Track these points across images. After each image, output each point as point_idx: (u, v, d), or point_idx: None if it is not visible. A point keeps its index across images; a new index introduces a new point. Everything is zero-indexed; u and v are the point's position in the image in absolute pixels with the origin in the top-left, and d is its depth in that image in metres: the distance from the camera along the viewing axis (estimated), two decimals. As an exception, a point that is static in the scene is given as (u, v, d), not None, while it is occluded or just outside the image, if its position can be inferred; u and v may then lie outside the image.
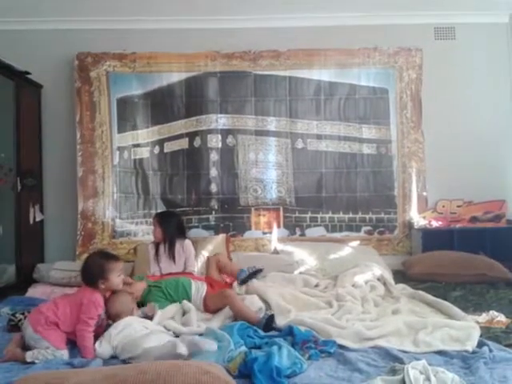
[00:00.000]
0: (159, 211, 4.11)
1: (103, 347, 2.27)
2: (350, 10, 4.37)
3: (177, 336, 2.40)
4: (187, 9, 4.36)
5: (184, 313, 2.79)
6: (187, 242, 3.51)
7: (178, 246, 3.45)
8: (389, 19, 4.41)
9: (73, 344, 2.32)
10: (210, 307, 2.90)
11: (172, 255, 3.41)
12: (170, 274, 3.29)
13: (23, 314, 2.64)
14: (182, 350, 2.07)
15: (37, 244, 4.32)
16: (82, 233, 4.32)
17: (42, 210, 4.35)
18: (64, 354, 2.24)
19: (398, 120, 4.46)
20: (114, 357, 2.26)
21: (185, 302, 2.87)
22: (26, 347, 2.27)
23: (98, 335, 2.34)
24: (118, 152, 4.42)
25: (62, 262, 3.90)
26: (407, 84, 4.45)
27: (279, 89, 4.48)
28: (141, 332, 2.33)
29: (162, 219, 3.53)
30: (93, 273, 2.42)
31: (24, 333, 2.30)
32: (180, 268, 3.40)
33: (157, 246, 3.48)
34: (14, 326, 2.58)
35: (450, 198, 4.40)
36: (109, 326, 2.43)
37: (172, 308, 2.80)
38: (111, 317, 2.50)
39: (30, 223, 4.15)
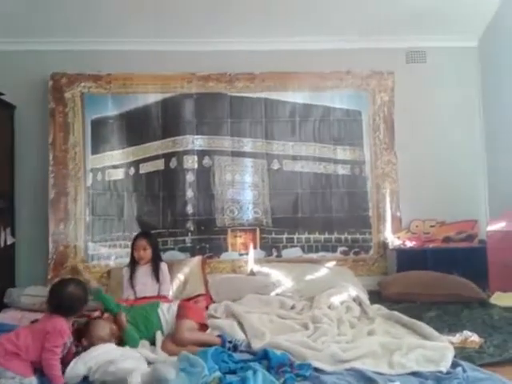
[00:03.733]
0: (142, 231, 3.94)
1: (77, 367, 2.23)
2: (323, 34, 4.43)
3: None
4: (163, 31, 4.37)
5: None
6: (163, 264, 3.48)
7: None
8: (361, 43, 4.48)
9: (41, 372, 2.25)
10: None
11: (157, 276, 3.37)
12: (145, 297, 3.24)
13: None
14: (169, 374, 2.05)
15: (8, 268, 4.19)
16: (54, 256, 4.22)
17: (13, 233, 4.25)
18: (32, 380, 2.19)
19: (371, 142, 4.53)
20: (85, 380, 2.22)
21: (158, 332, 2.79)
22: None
23: (67, 362, 2.29)
24: (91, 174, 4.36)
25: (33, 288, 3.78)
26: (380, 106, 4.54)
27: (255, 110, 4.50)
28: (118, 357, 2.31)
29: (151, 239, 3.49)
30: (75, 305, 2.41)
31: None
32: (155, 291, 3.35)
33: (131, 269, 3.43)
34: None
35: (423, 218, 4.45)
36: (78, 353, 2.39)
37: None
38: (92, 341, 2.48)
39: (1, 247, 4.04)
